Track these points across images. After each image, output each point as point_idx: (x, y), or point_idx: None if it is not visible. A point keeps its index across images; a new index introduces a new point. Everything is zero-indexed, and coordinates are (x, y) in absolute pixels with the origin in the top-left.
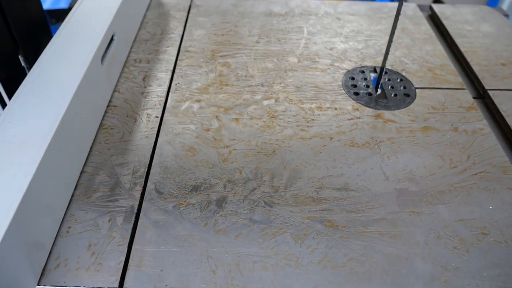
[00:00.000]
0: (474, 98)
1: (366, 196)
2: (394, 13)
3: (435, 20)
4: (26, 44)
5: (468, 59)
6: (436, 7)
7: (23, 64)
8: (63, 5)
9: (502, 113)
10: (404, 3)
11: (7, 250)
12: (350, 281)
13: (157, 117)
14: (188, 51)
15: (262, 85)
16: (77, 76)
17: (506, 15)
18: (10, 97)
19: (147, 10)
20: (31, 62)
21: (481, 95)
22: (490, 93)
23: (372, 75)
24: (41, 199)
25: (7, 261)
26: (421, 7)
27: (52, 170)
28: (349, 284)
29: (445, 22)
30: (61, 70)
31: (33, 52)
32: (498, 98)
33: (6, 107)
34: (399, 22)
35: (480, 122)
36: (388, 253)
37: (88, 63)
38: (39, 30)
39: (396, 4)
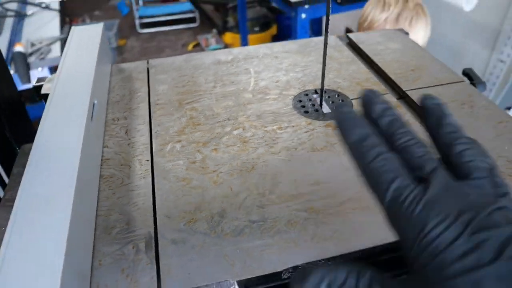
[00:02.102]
0: (397, 99)
1: (334, 184)
2: (320, 45)
3: (353, 46)
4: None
5: (386, 70)
6: (352, 36)
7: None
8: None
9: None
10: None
11: (66, 280)
12: (339, 246)
13: (147, 160)
14: (158, 104)
15: (229, 119)
16: (78, 140)
17: (407, 33)
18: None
19: (110, 76)
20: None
21: (402, 96)
22: (408, 93)
23: (315, 96)
24: (77, 239)
25: (70, 283)
26: (340, 38)
27: (79, 216)
28: (339, 247)
29: (361, 46)
30: (63, 136)
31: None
32: (414, 96)
33: (25, 174)
34: (328, 52)
35: (405, 115)
36: (362, 221)
37: (83, 128)
38: (16, 110)
39: (319, 38)
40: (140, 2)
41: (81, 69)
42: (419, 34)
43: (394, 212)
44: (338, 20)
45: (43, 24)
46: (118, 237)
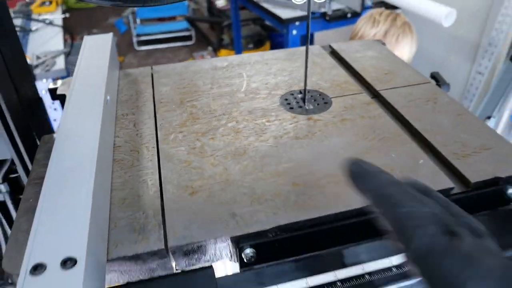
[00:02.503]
0: (371, 98)
1: (313, 165)
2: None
3: (335, 54)
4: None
5: (362, 74)
6: (334, 45)
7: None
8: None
9: (391, 103)
10: (311, 46)
11: (91, 237)
12: (316, 210)
13: (153, 147)
14: (161, 102)
15: (224, 114)
16: (97, 126)
17: (384, 44)
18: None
19: (118, 80)
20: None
21: (375, 95)
22: (381, 92)
23: (299, 95)
24: (98, 205)
25: (95, 239)
26: (323, 47)
27: (99, 187)
28: (316, 211)
29: (342, 54)
30: (84, 123)
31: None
32: (386, 94)
33: (53, 151)
34: (311, 58)
35: (378, 111)
36: (336, 192)
37: (100, 117)
38: (36, 106)
39: (305, 47)
40: (138, 21)
41: (95, 70)
42: (405, 49)
43: (423, 259)
44: (327, 36)
45: (47, 39)
46: (130, 206)
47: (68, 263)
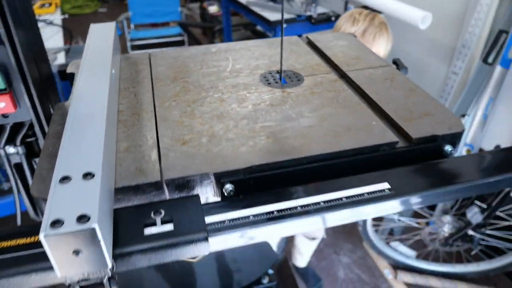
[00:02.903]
0: (338, 77)
1: (284, 124)
2: (284, 40)
3: (311, 44)
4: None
5: (332, 59)
6: (310, 36)
7: None
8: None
9: (354, 81)
10: (291, 37)
11: (104, 167)
12: (285, 155)
13: (151, 111)
14: (157, 79)
15: (211, 88)
16: (105, 91)
17: (355, 36)
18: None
19: (120, 61)
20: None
21: (342, 75)
22: (347, 73)
23: (277, 74)
24: (108, 146)
25: (107, 163)
26: (301, 38)
27: (108, 134)
28: (286, 155)
29: (316, 43)
30: (95, 88)
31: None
32: (351, 74)
33: (71, 106)
34: (289, 46)
35: (343, 87)
36: (301, 143)
37: (108, 84)
38: (50, 82)
39: (286, 37)
40: (132, 26)
41: (102, 50)
42: (381, 47)
43: None
44: None
45: (48, 38)
46: (133, 152)
47: (88, 176)
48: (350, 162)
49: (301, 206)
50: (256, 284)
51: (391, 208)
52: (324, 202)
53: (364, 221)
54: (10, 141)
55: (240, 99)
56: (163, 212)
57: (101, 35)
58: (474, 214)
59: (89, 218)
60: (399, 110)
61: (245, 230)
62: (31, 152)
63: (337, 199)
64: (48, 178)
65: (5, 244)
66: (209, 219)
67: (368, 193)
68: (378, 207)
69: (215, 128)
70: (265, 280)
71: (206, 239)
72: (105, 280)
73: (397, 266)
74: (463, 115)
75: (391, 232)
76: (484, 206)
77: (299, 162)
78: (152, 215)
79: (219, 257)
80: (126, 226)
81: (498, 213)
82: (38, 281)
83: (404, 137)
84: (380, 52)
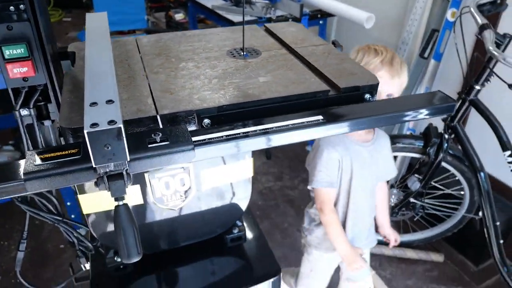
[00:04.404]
0: (288, 52)
1: (246, 81)
2: (246, 29)
3: (267, 30)
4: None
5: (284, 40)
6: (267, 25)
7: None
8: None
9: (300, 54)
10: (252, 25)
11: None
12: (247, 98)
13: (143, 75)
14: (145, 54)
15: (189, 59)
16: (110, 58)
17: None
18: None
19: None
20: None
21: (291, 51)
22: (295, 49)
23: (241, 51)
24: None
25: (119, 97)
26: (260, 28)
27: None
28: (251, 98)
29: (272, 29)
30: (100, 58)
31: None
32: (298, 50)
33: (85, 66)
34: (249, 32)
35: (291, 57)
36: (264, 90)
37: (111, 50)
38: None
39: (247, 25)
40: None
41: (101, 30)
42: (406, 74)
43: None
44: None
45: None
46: (132, 100)
47: (110, 102)
48: (294, 105)
49: (259, 130)
50: (228, 234)
51: (323, 132)
52: (275, 127)
53: None
54: (24, 104)
55: (212, 66)
56: (160, 134)
57: (97, 20)
58: (413, 183)
59: (116, 122)
60: (332, 71)
61: (220, 145)
62: (40, 115)
63: (285, 125)
64: (72, 114)
65: (50, 154)
66: (194, 138)
67: (307, 122)
68: (314, 131)
69: (194, 84)
70: (235, 230)
71: (193, 149)
72: (124, 172)
73: None
74: None
75: None
76: (421, 177)
77: (257, 104)
78: (152, 135)
79: (195, 213)
80: (135, 142)
81: (433, 184)
82: (76, 179)
83: (334, 88)
84: (406, 78)
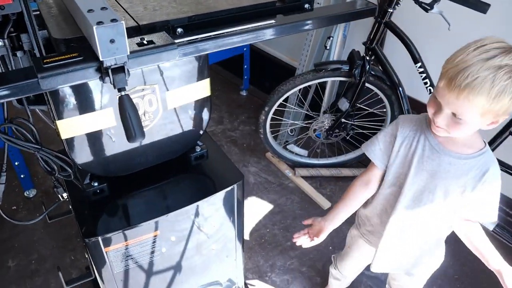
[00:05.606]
0: None
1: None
2: None
3: None
4: None
5: None
6: None
7: None
8: None
9: None
10: None
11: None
12: (212, 8)
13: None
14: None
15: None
16: None
17: None
18: None
19: None
20: None
21: None
22: None
23: None
24: None
25: None
26: None
27: None
28: (213, 10)
29: None
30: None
31: None
32: None
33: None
34: None
35: None
36: (219, 5)
37: None
38: None
39: None
40: None
41: None
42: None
43: None
44: None
45: None
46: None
47: (104, 8)
48: (248, 14)
49: (221, 33)
50: (192, 153)
51: (273, 32)
52: (236, 30)
53: (265, 130)
54: None
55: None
56: (146, 37)
57: None
58: (343, 104)
59: (118, 20)
60: None
61: (194, 44)
62: (13, 46)
63: (243, 28)
64: (62, 26)
65: (54, 58)
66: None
67: (261, 24)
68: (266, 32)
69: (162, 3)
70: (198, 149)
71: (176, 48)
72: (125, 66)
73: (295, 166)
74: (329, 37)
75: (287, 140)
76: (349, 99)
77: (220, 14)
78: (139, 39)
79: (162, 133)
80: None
81: (359, 105)
82: (81, 77)
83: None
84: (485, 104)
